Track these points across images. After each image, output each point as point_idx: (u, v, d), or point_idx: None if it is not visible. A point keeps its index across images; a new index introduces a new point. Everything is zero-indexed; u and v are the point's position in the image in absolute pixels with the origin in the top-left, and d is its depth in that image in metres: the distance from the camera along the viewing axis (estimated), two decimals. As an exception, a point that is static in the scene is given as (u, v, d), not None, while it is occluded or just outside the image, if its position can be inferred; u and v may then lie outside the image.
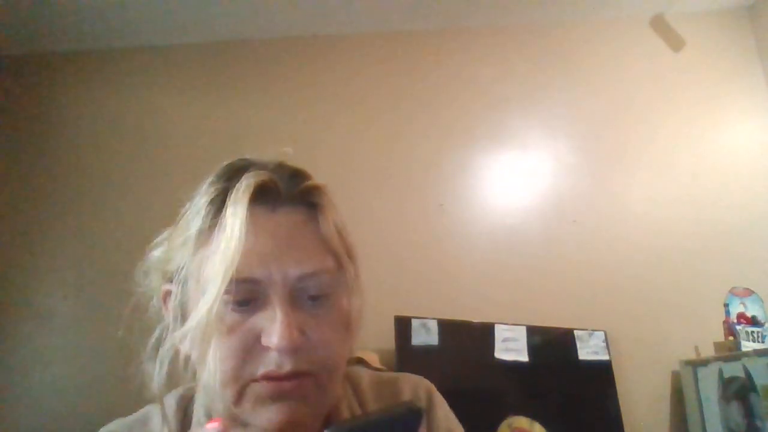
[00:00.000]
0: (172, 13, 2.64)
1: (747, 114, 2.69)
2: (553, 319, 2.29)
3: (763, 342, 2.15)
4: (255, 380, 0.51)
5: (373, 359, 2.04)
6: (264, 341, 0.51)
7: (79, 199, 2.63)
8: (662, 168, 2.61)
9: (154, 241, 0.62)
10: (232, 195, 0.53)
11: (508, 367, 2.20)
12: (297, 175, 0.59)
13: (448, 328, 2.20)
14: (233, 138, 2.59)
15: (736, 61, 2.74)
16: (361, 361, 1.92)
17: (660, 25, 2.73)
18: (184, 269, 0.56)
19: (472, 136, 2.67)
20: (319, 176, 0.62)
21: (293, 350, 0.50)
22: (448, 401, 0.68)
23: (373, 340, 2.12)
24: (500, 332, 2.23)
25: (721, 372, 2.05)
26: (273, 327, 0.50)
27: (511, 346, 2.22)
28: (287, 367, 0.50)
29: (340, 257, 0.56)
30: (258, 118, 2.71)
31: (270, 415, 0.51)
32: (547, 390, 2.21)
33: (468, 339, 2.24)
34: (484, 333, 2.23)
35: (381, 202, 2.57)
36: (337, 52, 2.82)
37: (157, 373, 0.55)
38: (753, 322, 2.20)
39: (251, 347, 0.51)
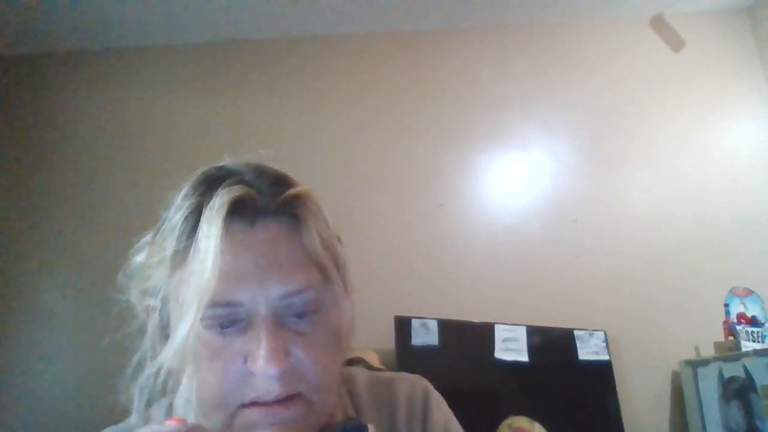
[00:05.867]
0: (172, 13, 2.64)
1: (747, 114, 2.69)
2: (553, 319, 2.29)
3: (763, 342, 2.15)
4: (244, 406, 0.49)
5: (373, 359, 2.04)
6: (250, 366, 0.48)
7: (79, 198, 2.63)
8: (662, 168, 2.61)
9: (136, 245, 0.59)
10: (205, 214, 0.50)
11: (508, 367, 2.20)
12: (277, 183, 0.55)
13: (448, 328, 2.20)
14: (234, 138, 2.59)
15: (736, 61, 2.74)
16: (361, 361, 1.92)
17: (660, 25, 2.73)
18: (162, 290, 0.53)
19: (472, 136, 2.67)
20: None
21: (280, 375, 0.48)
22: (448, 401, 0.68)
23: (373, 340, 2.12)
24: (500, 332, 2.23)
25: (721, 372, 2.05)
26: (258, 352, 0.48)
27: (511, 346, 2.22)
28: (276, 391, 0.48)
29: (326, 270, 0.53)
30: (258, 117, 2.71)
31: None
32: (547, 390, 2.21)
33: (468, 339, 2.24)
34: (484, 333, 2.23)
35: (381, 202, 2.57)
36: (337, 52, 2.82)
37: (137, 400, 0.53)
38: (753, 322, 2.20)
39: (237, 372, 0.49)
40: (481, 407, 2.10)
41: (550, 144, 2.67)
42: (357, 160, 2.63)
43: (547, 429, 2.09)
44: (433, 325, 2.19)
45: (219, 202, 0.50)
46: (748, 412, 1.92)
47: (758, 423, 1.87)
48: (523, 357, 2.21)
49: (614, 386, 2.22)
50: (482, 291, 2.41)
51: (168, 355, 0.49)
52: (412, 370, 0.71)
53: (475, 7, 2.70)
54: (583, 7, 2.74)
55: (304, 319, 0.51)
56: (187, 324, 0.47)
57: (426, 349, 2.15)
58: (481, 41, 2.81)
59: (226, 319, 0.49)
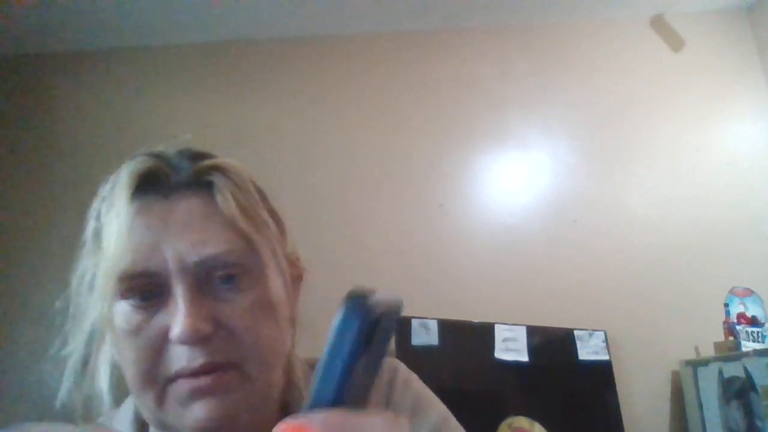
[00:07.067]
0: (172, 13, 2.63)
1: (747, 114, 2.69)
2: (553, 319, 2.29)
3: (763, 342, 2.15)
4: (172, 380, 0.47)
5: (373, 359, 2.04)
6: (171, 336, 0.46)
7: (79, 198, 2.62)
8: (662, 168, 2.61)
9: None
10: (111, 188, 0.51)
11: (508, 367, 2.20)
12: (194, 158, 0.54)
13: (448, 328, 2.20)
14: (234, 138, 2.59)
15: (736, 61, 2.74)
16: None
17: (660, 25, 2.73)
18: (86, 275, 0.53)
19: (472, 136, 2.67)
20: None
21: (198, 341, 0.46)
22: (448, 401, 0.66)
23: (373, 340, 2.12)
24: (500, 332, 2.23)
25: (721, 372, 2.05)
26: (176, 319, 0.46)
27: (511, 346, 2.22)
28: (199, 359, 0.46)
29: (248, 236, 0.50)
30: (258, 117, 2.71)
31: (193, 414, 0.47)
32: (547, 390, 2.21)
33: (468, 339, 2.24)
34: (484, 333, 2.23)
35: (381, 202, 2.57)
36: (337, 52, 2.82)
37: (64, 386, 0.52)
38: (753, 322, 2.20)
39: (161, 346, 0.47)
40: (481, 407, 2.09)
41: (550, 144, 2.67)
42: (357, 160, 2.63)
43: (547, 429, 2.09)
44: (433, 325, 2.19)
45: (123, 173, 0.50)
46: (748, 412, 1.92)
47: (758, 423, 1.87)
48: (523, 357, 2.21)
49: (614, 386, 2.22)
50: (482, 291, 2.41)
51: (84, 330, 0.49)
52: (412, 370, 0.70)
53: (475, 7, 2.70)
54: (583, 7, 2.74)
55: (230, 286, 0.49)
56: (97, 298, 0.47)
57: (426, 349, 2.15)
58: (481, 41, 2.81)
59: (144, 290, 0.48)
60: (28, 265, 2.55)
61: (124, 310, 0.48)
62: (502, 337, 2.23)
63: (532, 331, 2.25)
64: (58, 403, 0.53)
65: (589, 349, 2.26)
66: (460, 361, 2.21)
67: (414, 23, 2.78)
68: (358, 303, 0.36)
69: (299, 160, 2.58)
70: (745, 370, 1.94)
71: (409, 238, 2.52)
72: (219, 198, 0.51)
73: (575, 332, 2.27)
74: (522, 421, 2.10)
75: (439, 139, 2.67)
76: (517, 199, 2.60)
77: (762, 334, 2.17)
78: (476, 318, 2.26)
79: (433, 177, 2.62)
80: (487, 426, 2.08)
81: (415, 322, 2.18)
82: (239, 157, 0.59)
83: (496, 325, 2.24)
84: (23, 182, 2.67)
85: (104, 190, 0.53)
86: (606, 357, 2.25)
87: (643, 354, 2.34)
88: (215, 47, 2.83)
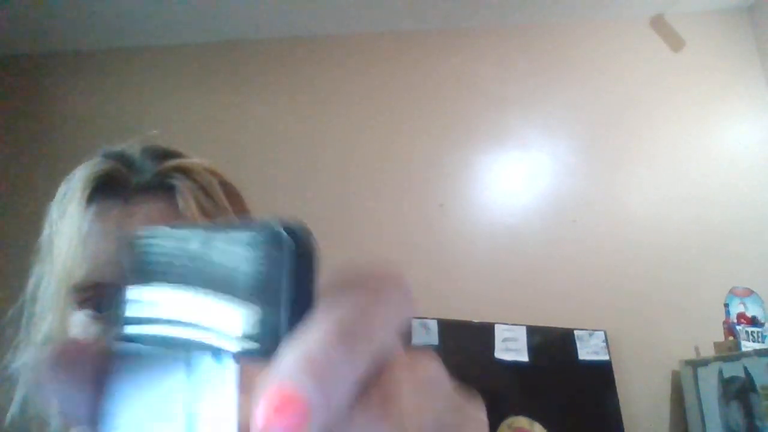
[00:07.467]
0: (172, 13, 2.64)
1: (746, 114, 2.69)
2: (553, 319, 2.29)
3: (763, 342, 2.15)
4: None
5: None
6: None
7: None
8: (662, 168, 2.61)
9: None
10: (64, 192, 0.48)
11: (508, 367, 2.20)
12: (158, 158, 0.51)
13: (448, 328, 2.21)
14: (233, 138, 2.59)
15: (736, 61, 2.74)
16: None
17: (660, 25, 2.73)
18: (41, 284, 0.50)
19: (472, 136, 2.67)
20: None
21: None
22: None
23: (373, 340, 2.12)
24: (500, 332, 2.24)
25: (721, 372, 2.05)
26: None
27: (511, 346, 2.22)
28: None
29: None
30: (258, 117, 2.71)
31: None
32: (547, 390, 2.21)
33: (468, 339, 2.24)
34: (484, 333, 2.23)
35: (381, 202, 2.57)
36: (337, 52, 2.82)
37: (14, 403, 0.48)
38: (753, 322, 2.20)
39: None
40: (481, 407, 2.09)
41: (550, 144, 2.67)
42: (356, 160, 2.63)
43: (547, 429, 2.09)
44: (433, 325, 2.19)
45: (77, 177, 0.47)
46: (748, 412, 1.92)
47: (758, 423, 1.87)
48: (523, 357, 2.21)
49: (614, 386, 2.22)
50: (482, 291, 2.41)
51: (37, 340, 0.47)
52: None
53: (475, 7, 2.70)
54: (583, 7, 2.74)
55: None
56: (50, 310, 0.45)
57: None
58: (481, 41, 2.81)
59: (100, 300, 0.45)
60: (29, 265, 2.55)
61: (81, 321, 0.46)
62: (502, 337, 2.23)
63: (532, 331, 2.25)
64: (7, 422, 0.49)
65: (589, 349, 2.26)
66: (460, 361, 2.20)
67: (414, 23, 2.78)
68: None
69: (299, 160, 2.58)
70: (745, 370, 1.94)
71: (409, 238, 2.52)
72: (180, 202, 0.48)
73: (575, 332, 2.27)
74: (522, 421, 2.10)
75: (439, 139, 2.67)
76: (517, 199, 2.60)
77: (762, 334, 2.17)
78: (476, 318, 2.26)
79: (433, 177, 2.62)
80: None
81: (415, 322, 2.18)
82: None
83: (496, 325, 2.24)
84: (22, 182, 2.67)
85: (59, 193, 0.50)
86: (606, 357, 2.25)
87: (643, 354, 2.34)
88: (215, 47, 2.83)
